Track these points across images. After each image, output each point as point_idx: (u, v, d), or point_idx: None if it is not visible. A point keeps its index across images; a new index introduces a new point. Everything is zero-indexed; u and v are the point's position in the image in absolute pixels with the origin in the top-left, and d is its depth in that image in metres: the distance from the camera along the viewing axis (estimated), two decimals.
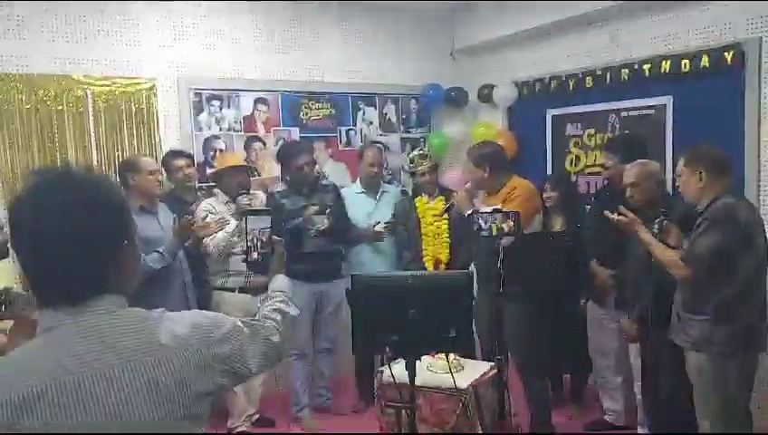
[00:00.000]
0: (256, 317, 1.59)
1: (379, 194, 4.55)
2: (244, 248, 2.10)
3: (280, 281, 1.87)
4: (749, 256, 2.84)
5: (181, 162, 4.08)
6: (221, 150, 4.67)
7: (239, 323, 1.43)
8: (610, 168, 3.86)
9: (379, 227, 4.36)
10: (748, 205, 3.04)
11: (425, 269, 4.29)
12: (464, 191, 3.82)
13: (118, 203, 1.24)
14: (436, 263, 4.34)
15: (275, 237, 2.07)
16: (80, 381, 1.13)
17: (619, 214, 3.22)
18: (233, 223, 3.76)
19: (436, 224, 4.34)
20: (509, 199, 3.64)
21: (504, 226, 3.01)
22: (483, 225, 3.07)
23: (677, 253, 2.95)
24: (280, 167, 4.46)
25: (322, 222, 4.08)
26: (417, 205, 4.42)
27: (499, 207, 3.25)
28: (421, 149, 4.56)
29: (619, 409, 4.09)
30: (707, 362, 2.89)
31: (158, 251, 3.43)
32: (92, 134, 4.21)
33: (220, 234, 3.73)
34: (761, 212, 3.40)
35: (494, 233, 3.02)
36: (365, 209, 4.48)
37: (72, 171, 1.23)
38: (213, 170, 4.26)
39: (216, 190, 4.18)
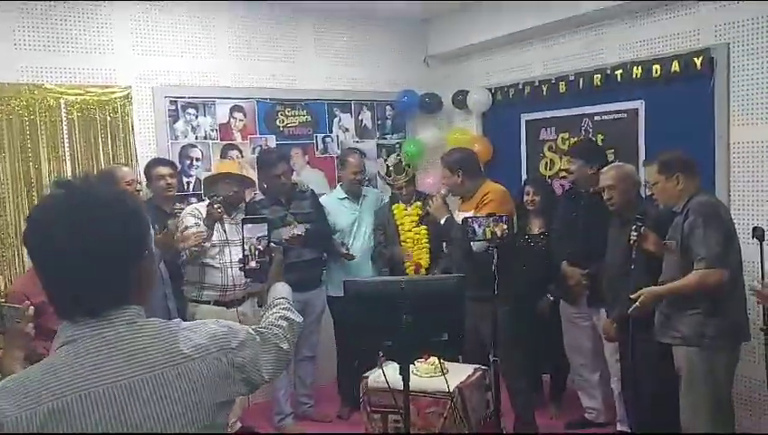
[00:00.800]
0: (262, 325, 1.59)
1: (361, 199, 4.56)
2: (241, 257, 2.08)
3: (280, 288, 1.85)
4: (734, 248, 2.96)
5: (165, 171, 4.02)
6: (198, 159, 4.64)
7: (251, 331, 1.44)
8: (575, 172, 3.95)
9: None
10: (719, 201, 3.21)
11: (405, 275, 4.32)
12: (438, 198, 3.86)
13: (139, 214, 1.24)
14: (417, 268, 4.37)
15: (273, 245, 2.06)
16: (103, 393, 1.13)
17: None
18: (202, 228, 3.70)
19: (414, 230, 4.38)
20: (482, 205, 3.69)
21: (498, 230, 3.06)
22: (477, 229, 3.11)
23: (695, 272, 2.95)
24: (257, 175, 4.43)
25: (297, 228, 4.07)
26: (394, 212, 4.45)
27: (492, 212, 3.30)
28: (399, 157, 4.59)
29: (598, 406, 4.17)
30: (698, 355, 2.98)
31: None
32: (66, 144, 4.13)
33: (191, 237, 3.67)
34: (733, 212, 3.53)
35: (488, 237, 3.06)
36: (349, 215, 4.48)
37: (92, 182, 1.23)
38: (209, 174, 4.19)
39: (192, 199, 4.10)
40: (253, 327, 1.49)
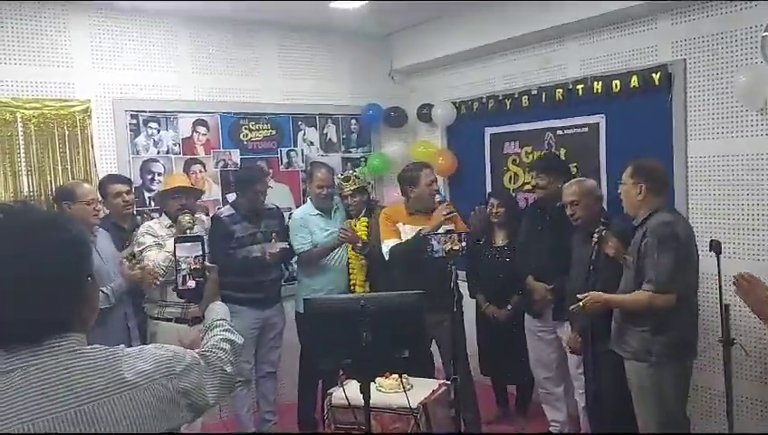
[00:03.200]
0: (205, 348, 1.55)
1: (333, 211, 4.43)
2: (174, 276, 1.99)
3: (219, 309, 1.81)
4: (688, 269, 2.98)
5: (121, 188, 3.93)
6: (159, 174, 4.56)
7: (196, 356, 1.41)
8: (547, 187, 3.97)
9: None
10: (684, 220, 3.19)
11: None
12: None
13: (81, 240, 1.21)
14: (353, 286, 4.34)
15: (208, 264, 1.98)
16: (46, 425, 1.09)
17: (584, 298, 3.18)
18: (170, 245, 3.64)
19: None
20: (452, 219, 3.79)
21: (456, 246, 3.07)
22: (435, 246, 3.11)
23: (642, 292, 2.97)
24: (223, 190, 4.37)
25: (274, 247, 4.03)
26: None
27: (452, 227, 3.32)
28: (345, 172, 4.55)
29: (562, 419, 4.19)
30: (646, 370, 3.00)
31: (102, 291, 3.27)
32: (23, 159, 4.03)
33: (160, 259, 3.60)
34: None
35: (445, 254, 3.06)
36: (323, 229, 4.32)
37: (31, 207, 1.20)
38: (157, 191, 4.13)
39: (154, 214, 4.04)
40: (197, 351, 1.46)
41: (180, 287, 1.94)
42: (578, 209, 3.51)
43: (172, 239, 3.64)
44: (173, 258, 1.97)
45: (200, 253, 1.95)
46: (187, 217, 3.66)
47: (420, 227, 3.72)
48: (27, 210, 1.19)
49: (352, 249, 4.27)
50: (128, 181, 4.07)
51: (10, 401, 1.09)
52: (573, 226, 3.61)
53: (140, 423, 1.18)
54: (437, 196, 3.80)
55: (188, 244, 1.97)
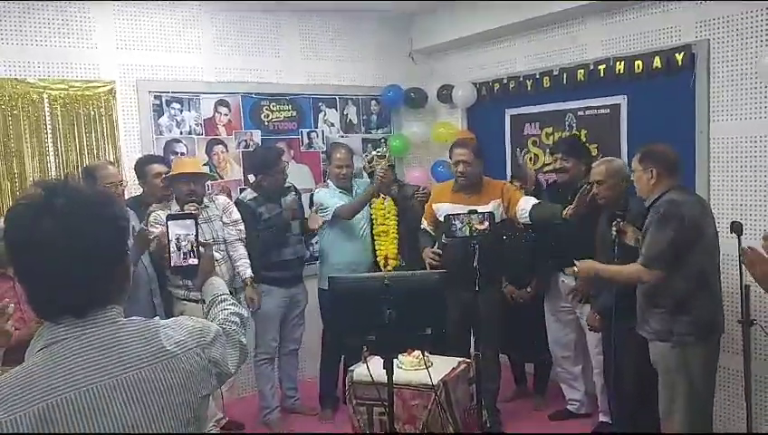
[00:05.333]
0: (218, 320, 1.59)
1: (354, 191, 4.47)
2: (166, 254, 1.97)
3: (218, 284, 1.84)
4: (700, 249, 2.96)
5: (159, 168, 3.93)
6: (182, 154, 4.61)
7: (219, 328, 1.46)
8: (570, 169, 3.96)
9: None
10: (696, 200, 3.15)
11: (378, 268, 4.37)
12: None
13: (122, 215, 1.25)
14: (385, 259, 4.40)
15: (203, 241, 1.98)
16: (93, 392, 1.14)
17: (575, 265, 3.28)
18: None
19: (385, 224, 4.40)
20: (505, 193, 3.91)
21: (479, 226, 3.10)
22: (459, 226, 3.14)
23: (635, 265, 3.02)
24: (245, 171, 4.41)
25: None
26: (372, 206, 4.44)
27: (475, 208, 3.34)
28: (378, 151, 4.59)
29: (580, 398, 4.24)
30: (670, 351, 3.01)
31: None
32: (50, 139, 4.10)
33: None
34: (712, 206, 3.56)
35: (468, 234, 3.09)
36: None
37: (75, 183, 1.24)
38: (166, 176, 4.17)
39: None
40: (218, 324, 1.51)
41: (179, 264, 1.93)
42: (603, 189, 3.49)
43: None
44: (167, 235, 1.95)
45: (194, 231, 1.94)
46: (192, 208, 3.65)
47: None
48: (69, 187, 1.22)
49: (387, 194, 4.39)
50: (165, 162, 4.11)
51: (61, 370, 1.13)
52: (596, 206, 3.61)
53: (180, 389, 1.24)
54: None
55: (187, 221, 1.96)
